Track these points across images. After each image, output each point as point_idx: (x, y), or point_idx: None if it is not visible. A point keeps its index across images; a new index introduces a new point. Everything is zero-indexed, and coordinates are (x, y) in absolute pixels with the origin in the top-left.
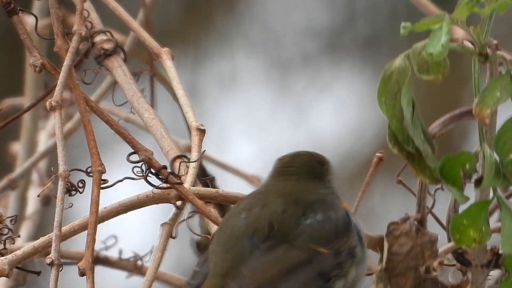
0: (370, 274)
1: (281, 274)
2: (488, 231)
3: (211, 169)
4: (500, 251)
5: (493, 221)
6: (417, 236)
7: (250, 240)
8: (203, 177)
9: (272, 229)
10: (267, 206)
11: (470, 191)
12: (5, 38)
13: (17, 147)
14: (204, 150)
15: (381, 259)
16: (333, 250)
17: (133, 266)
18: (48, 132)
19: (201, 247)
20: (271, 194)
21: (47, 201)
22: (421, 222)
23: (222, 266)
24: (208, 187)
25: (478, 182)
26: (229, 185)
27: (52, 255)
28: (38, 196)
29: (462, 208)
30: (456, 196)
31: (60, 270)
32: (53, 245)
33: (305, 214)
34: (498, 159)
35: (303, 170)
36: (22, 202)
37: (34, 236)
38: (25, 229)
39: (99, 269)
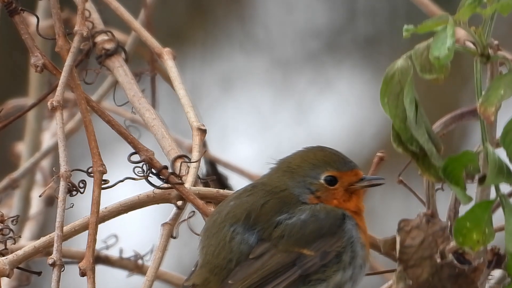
0: (375, 274)
1: (263, 279)
2: (491, 232)
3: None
4: (501, 251)
5: (493, 221)
6: (428, 227)
7: (230, 227)
8: (215, 176)
9: (249, 219)
10: (251, 197)
11: (471, 192)
12: (9, 39)
13: (21, 147)
14: (205, 150)
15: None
16: (320, 252)
17: (133, 265)
18: (52, 132)
19: None
20: (262, 187)
21: (50, 201)
22: (432, 217)
23: (207, 253)
24: (210, 186)
25: (482, 180)
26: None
27: (54, 256)
28: (40, 196)
29: (462, 208)
30: (459, 196)
31: (62, 271)
32: (55, 245)
33: (289, 211)
34: (501, 157)
35: (287, 165)
36: (26, 202)
37: (38, 236)
38: (28, 229)
39: (99, 268)
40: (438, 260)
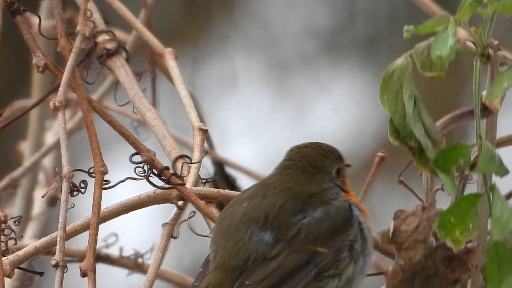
0: (376, 274)
1: (280, 280)
2: (476, 226)
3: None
4: None
5: None
6: (423, 213)
7: (248, 229)
8: (222, 176)
9: (267, 221)
10: (267, 198)
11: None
12: (13, 39)
13: (24, 147)
14: (207, 151)
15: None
16: (333, 248)
17: (133, 264)
18: (55, 132)
19: None
20: (273, 187)
21: (53, 201)
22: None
23: (223, 255)
24: (210, 186)
25: (473, 167)
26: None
27: (57, 257)
28: (42, 197)
29: None
30: (447, 185)
31: (65, 272)
32: (58, 246)
33: (302, 211)
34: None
35: (306, 163)
36: (28, 202)
37: (40, 237)
38: (31, 230)
39: (99, 267)
40: (432, 244)
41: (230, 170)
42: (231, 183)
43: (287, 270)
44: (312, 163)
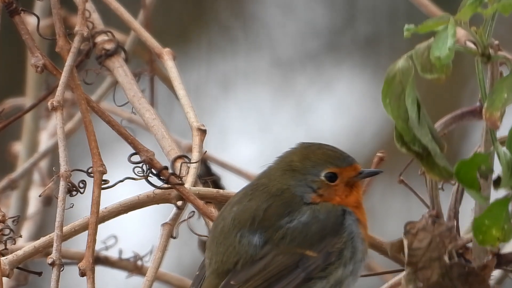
0: (373, 275)
1: (266, 282)
2: (510, 228)
3: (215, 169)
4: (501, 251)
5: None
6: (434, 228)
7: (237, 233)
8: (208, 176)
9: (254, 223)
10: (253, 200)
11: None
12: (7, 38)
13: (19, 147)
14: (206, 151)
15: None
16: (322, 253)
17: (133, 266)
18: (50, 132)
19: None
20: (261, 188)
21: (48, 201)
22: (437, 218)
23: (216, 261)
24: (209, 186)
25: (497, 183)
26: (231, 184)
27: (54, 255)
28: (40, 196)
29: (462, 208)
30: (475, 198)
31: (62, 270)
32: (55, 245)
33: (290, 214)
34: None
35: (303, 166)
36: (23, 202)
37: (36, 236)
38: (26, 229)
39: (99, 269)
40: (447, 261)
41: (216, 169)
42: (215, 182)
43: (274, 272)
44: (293, 164)
